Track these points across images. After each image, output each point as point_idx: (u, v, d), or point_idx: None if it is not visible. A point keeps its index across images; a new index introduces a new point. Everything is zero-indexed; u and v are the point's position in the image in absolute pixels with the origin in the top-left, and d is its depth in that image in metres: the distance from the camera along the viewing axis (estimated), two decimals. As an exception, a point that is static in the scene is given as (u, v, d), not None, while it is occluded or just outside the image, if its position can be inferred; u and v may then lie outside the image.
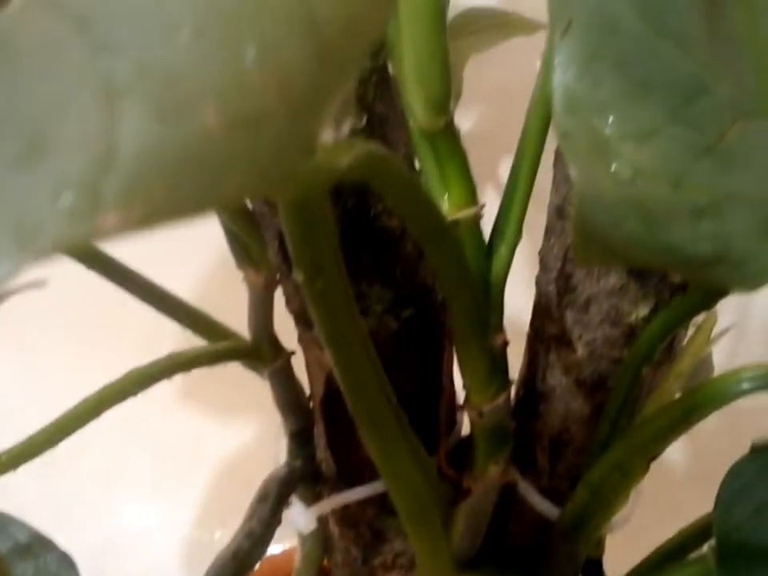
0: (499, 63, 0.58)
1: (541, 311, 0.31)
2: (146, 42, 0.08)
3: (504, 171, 0.72)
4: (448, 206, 0.28)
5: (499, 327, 0.30)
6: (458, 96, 0.53)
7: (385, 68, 0.29)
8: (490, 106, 0.66)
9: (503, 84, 0.60)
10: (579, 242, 0.19)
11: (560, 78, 0.19)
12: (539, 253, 0.31)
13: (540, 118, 0.27)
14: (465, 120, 0.68)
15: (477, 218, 0.28)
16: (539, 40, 0.50)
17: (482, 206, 0.29)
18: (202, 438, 0.68)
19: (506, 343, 0.30)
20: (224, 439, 0.68)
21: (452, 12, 0.48)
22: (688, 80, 0.19)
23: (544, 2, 0.45)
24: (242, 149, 0.08)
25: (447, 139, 0.27)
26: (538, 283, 0.32)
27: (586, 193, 0.18)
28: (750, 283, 0.20)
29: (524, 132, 0.29)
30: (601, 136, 0.19)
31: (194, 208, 0.08)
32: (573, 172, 0.19)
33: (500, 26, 0.49)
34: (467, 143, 0.75)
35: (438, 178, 0.28)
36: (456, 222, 0.28)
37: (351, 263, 0.30)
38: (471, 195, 0.28)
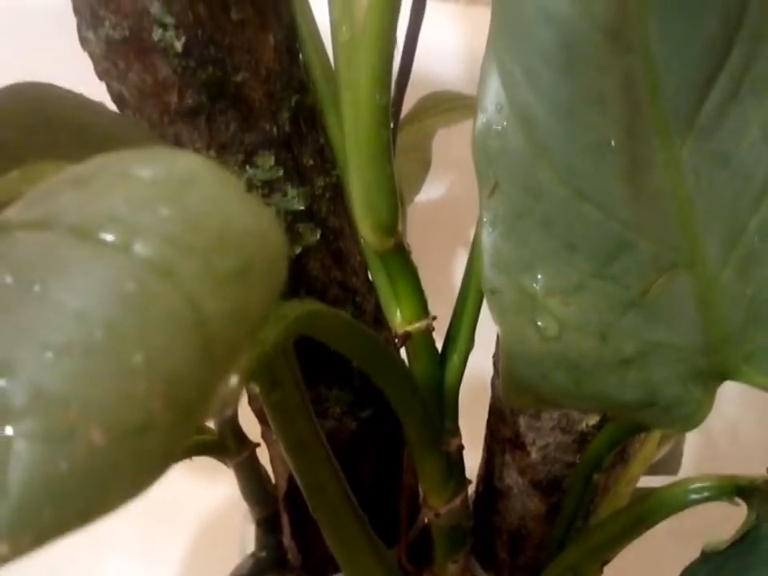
0: (469, 128, 0.59)
1: (496, 413, 0.32)
2: (39, 363, 0.08)
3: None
4: (400, 319, 0.29)
5: (454, 432, 0.31)
6: (427, 168, 0.54)
7: (338, 182, 0.30)
8: (462, 172, 0.67)
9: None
10: (508, 392, 0.20)
11: (487, 236, 0.20)
12: (493, 357, 0.32)
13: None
14: (437, 186, 0.69)
15: (428, 330, 0.29)
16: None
17: (434, 318, 0.29)
18: (185, 496, 0.68)
19: (461, 447, 0.31)
20: (207, 497, 0.68)
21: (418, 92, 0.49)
22: (611, 239, 0.20)
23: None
24: (127, 457, 0.08)
25: (397, 258, 0.28)
26: (492, 386, 0.32)
27: (513, 349, 0.19)
28: (679, 426, 0.21)
29: (474, 243, 0.29)
30: (527, 292, 0.19)
31: (82, 522, 0.08)
32: (499, 329, 0.19)
33: (466, 106, 0.51)
34: (440, 209, 0.77)
35: (390, 293, 0.29)
36: (408, 334, 0.29)
37: (309, 369, 0.30)
38: (423, 309, 0.29)
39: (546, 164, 0.19)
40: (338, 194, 0.30)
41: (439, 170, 0.55)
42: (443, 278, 0.71)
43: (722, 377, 0.21)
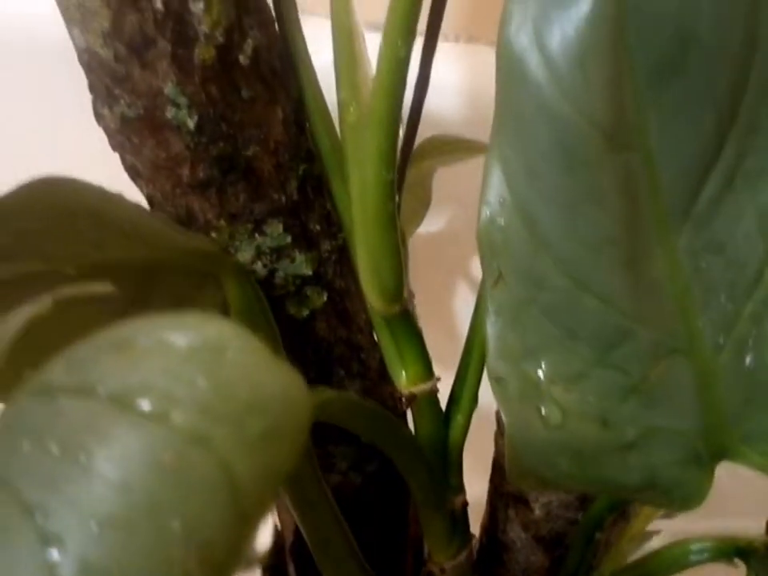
0: (470, 164, 0.60)
1: (499, 469, 0.33)
2: (86, 536, 0.09)
3: (475, 269, 0.74)
4: (405, 380, 0.29)
5: (459, 488, 0.31)
6: (428, 205, 0.55)
7: (344, 245, 0.31)
8: (462, 206, 0.68)
9: (474, 184, 0.62)
10: (513, 474, 0.20)
11: (492, 325, 0.20)
12: (495, 413, 0.33)
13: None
14: (437, 219, 0.70)
15: (433, 391, 0.30)
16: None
17: (438, 380, 0.30)
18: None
19: (465, 504, 0.31)
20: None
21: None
22: (611, 328, 0.20)
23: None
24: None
25: (403, 322, 0.29)
26: (495, 442, 0.33)
27: (518, 437, 0.20)
28: (679, 506, 0.21)
29: (477, 304, 0.30)
30: (531, 380, 0.20)
31: None
32: (504, 417, 0.20)
33: (466, 149, 0.51)
34: (440, 242, 0.77)
35: (395, 356, 0.29)
36: (413, 396, 0.29)
37: (316, 429, 0.31)
38: (427, 371, 0.29)
39: (547, 257, 0.20)
40: (343, 255, 0.31)
41: (439, 203, 0.55)
42: (442, 309, 0.72)
43: (720, 457, 0.21)
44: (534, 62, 0.19)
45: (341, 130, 0.27)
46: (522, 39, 0.19)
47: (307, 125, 0.29)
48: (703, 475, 0.21)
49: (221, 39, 0.25)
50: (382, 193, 0.26)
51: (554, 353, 0.20)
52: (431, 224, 0.64)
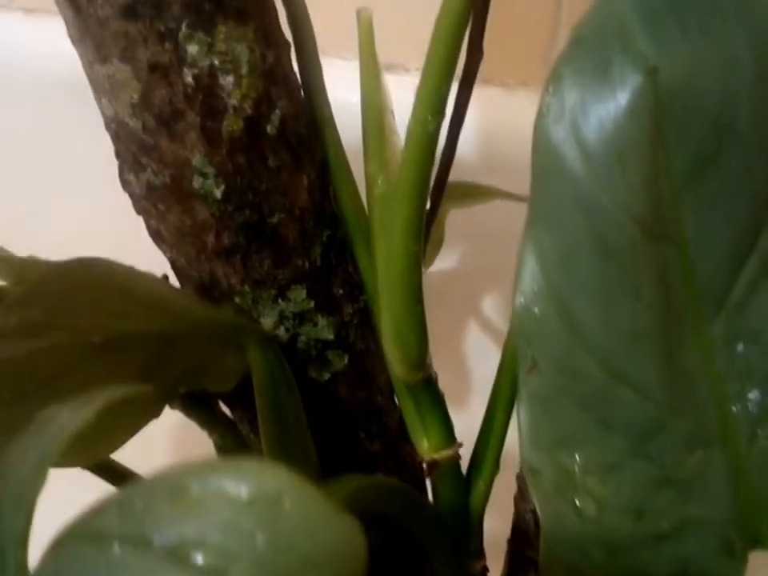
0: (482, 205, 0.60)
1: (519, 534, 0.32)
2: None
3: (486, 307, 0.73)
4: (427, 447, 0.29)
5: (479, 554, 0.31)
6: (440, 244, 0.55)
7: (365, 307, 0.31)
8: (473, 245, 0.68)
9: (485, 224, 0.62)
10: (546, 565, 0.20)
11: (525, 413, 0.20)
12: (516, 478, 0.33)
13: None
14: (448, 258, 0.70)
15: (455, 458, 0.30)
16: (523, 181, 0.52)
17: (460, 445, 0.30)
18: None
19: (485, 569, 0.31)
20: None
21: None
22: (646, 419, 0.20)
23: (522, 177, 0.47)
24: None
25: (425, 389, 0.29)
26: (516, 505, 0.33)
27: (553, 530, 0.20)
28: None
29: (499, 371, 0.30)
30: (566, 470, 0.20)
31: None
32: (539, 510, 0.20)
33: (481, 194, 0.52)
34: (451, 280, 0.77)
35: (417, 422, 0.29)
36: (435, 462, 0.29)
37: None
38: (449, 437, 0.29)
39: (582, 347, 0.20)
40: (365, 317, 0.31)
41: (450, 241, 0.55)
42: (452, 348, 0.72)
43: (753, 545, 0.21)
44: (571, 155, 0.19)
45: (368, 201, 0.27)
46: (560, 131, 0.19)
47: (331, 189, 0.29)
48: (736, 564, 0.21)
49: (249, 111, 0.25)
50: (409, 264, 0.26)
51: (589, 443, 0.20)
52: (442, 262, 0.64)
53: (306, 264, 0.29)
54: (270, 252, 0.28)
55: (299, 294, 0.29)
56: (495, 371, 0.75)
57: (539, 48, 0.60)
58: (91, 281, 0.21)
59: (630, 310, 0.20)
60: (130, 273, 0.22)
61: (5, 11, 0.69)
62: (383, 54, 0.70)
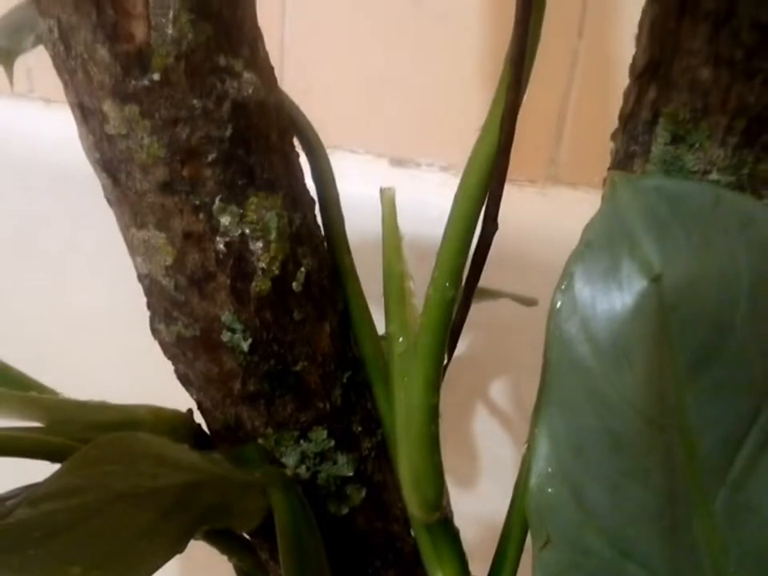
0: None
1: None
2: None
3: (493, 392, 0.74)
4: (442, 581, 0.30)
5: None
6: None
7: (382, 440, 0.32)
8: (481, 330, 0.69)
9: (493, 315, 0.63)
10: None
11: (540, 587, 0.21)
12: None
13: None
14: (459, 345, 0.71)
15: (469, 591, 0.31)
16: (529, 278, 0.53)
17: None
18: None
19: None
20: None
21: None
22: (653, 596, 0.21)
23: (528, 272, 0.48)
24: None
25: (441, 528, 0.30)
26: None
27: None
28: None
29: (508, 516, 0.31)
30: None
31: None
32: None
33: (489, 295, 0.53)
34: (459, 365, 0.78)
35: (433, 558, 0.30)
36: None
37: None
38: (464, 572, 0.30)
39: (593, 527, 0.21)
40: (382, 449, 0.32)
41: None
42: (460, 431, 0.73)
43: None
44: (582, 350, 0.21)
45: (389, 361, 0.28)
46: (571, 328, 0.21)
47: (352, 333, 0.31)
48: None
49: (276, 272, 0.27)
50: (427, 417, 0.27)
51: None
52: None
53: (327, 406, 0.30)
54: (292, 397, 0.29)
55: (320, 434, 0.30)
56: (501, 453, 0.75)
57: (546, 149, 0.62)
58: (129, 450, 0.23)
59: (639, 494, 0.21)
60: (164, 443, 0.23)
61: (25, 100, 0.71)
62: (396, 150, 0.72)
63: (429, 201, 0.67)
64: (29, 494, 0.22)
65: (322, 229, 0.30)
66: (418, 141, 0.67)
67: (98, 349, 0.69)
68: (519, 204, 0.64)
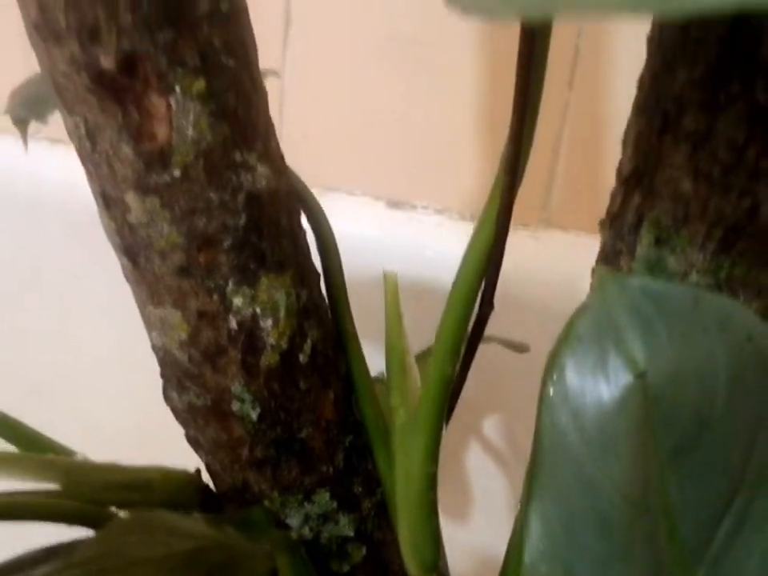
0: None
1: None
2: None
3: (486, 429, 0.76)
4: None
5: None
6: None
7: (382, 498, 0.33)
8: (475, 371, 0.71)
9: (486, 352, 0.65)
10: None
11: None
12: None
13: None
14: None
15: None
16: (522, 319, 0.55)
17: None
18: None
19: None
20: None
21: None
22: None
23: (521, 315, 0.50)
24: None
25: (437, 587, 0.31)
26: None
27: None
28: None
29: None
30: None
31: None
32: None
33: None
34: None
35: (429, 615, 0.32)
36: (445, 652, 0.32)
37: None
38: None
39: (582, 602, 0.23)
40: (381, 508, 0.34)
41: None
42: (455, 467, 0.74)
43: None
44: (572, 438, 0.22)
45: (391, 428, 0.30)
46: (562, 417, 0.22)
47: (354, 397, 0.32)
48: None
49: (285, 347, 0.29)
50: (426, 485, 0.29)
51: None
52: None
53: (330, 469, 0.31)
54: (297, 462, 0.31)
55: (323, 497, 0.31)
56: (494, 488, 0.77)
57: (538, 194, 0.64)
58: (147, 524, 0.24)
59: (625, 571, 0.23)
60: (177, 517, 0.25)
61: (31, 140, 0.73)
62: (393, 192, 0.74)
63: (424, 242, 0.68)
64: (60, 564, 0.24)
65: (326, 298, 0.32)
66: (414, 184, 0.69)
67: (102, 386, 0.70)
68: (512, 247, 0.66)
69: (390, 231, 0.69)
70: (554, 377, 0.23)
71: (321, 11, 0.62)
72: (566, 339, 0.23)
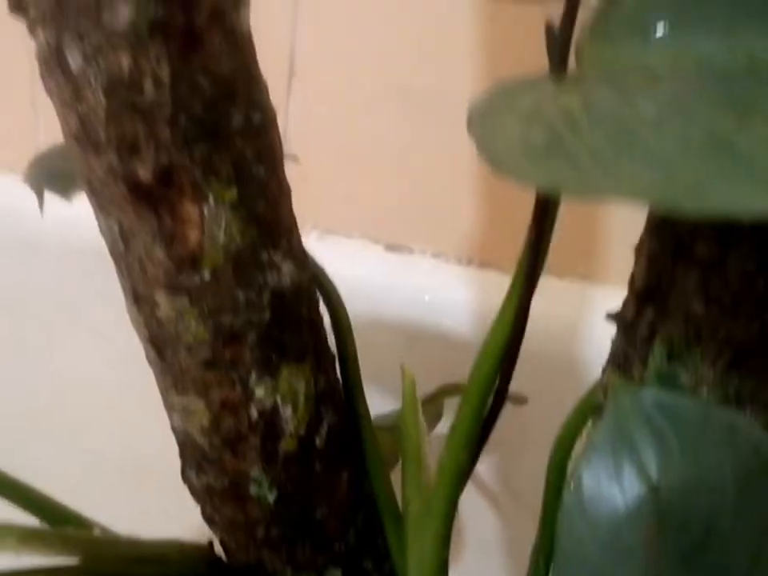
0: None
1: None
2: None
3: (480, 471, 0.77)
4: None
5: None
6: (439, 418, 0.59)
7: (390, 574, 0.34)
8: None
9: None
10: None
11: None
12: None
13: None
14: (446, 426, 0.73)
15: None
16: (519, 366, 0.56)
17: None
18: None
19: None
20: None
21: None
22: None
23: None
24: None
25: None
26: None
27: None
28: None
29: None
30: None
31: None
32: None
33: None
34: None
35: None
36: None
37: None
38: None
39: None
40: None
41: (448, 413, 0.59)
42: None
43: None
44: (588, 546, 0.23)
45: (404, 519, 0.31)
46: (578, 524, 0.24)
47: (366, 477, 0.33)
48: None
49: (302, 433, 0.29)
50: (438, 569, 0.29)
51: None
52: (443, 428, 0.68)
53: (343, 547, 0.32)
54: (312, 541, 0.31)
55: (335, 574, 0.32)
56: (487, 529, 0.78)
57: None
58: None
59: None
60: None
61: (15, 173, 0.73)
62: (391, 236, 0.75)
63: (421, 285, 0.69)
64: None
65: (340, 381, 0.33)
66: (412, 228, 0.70)
67: (100, 420, 0.71)
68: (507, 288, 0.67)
69: (387, 274, 0.70)
70: (572, 486, 0.24)
71: (323, 60, 0.64)
72: (584, 450, 0.24)
